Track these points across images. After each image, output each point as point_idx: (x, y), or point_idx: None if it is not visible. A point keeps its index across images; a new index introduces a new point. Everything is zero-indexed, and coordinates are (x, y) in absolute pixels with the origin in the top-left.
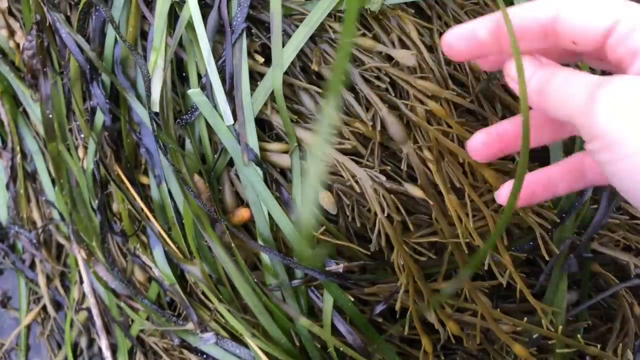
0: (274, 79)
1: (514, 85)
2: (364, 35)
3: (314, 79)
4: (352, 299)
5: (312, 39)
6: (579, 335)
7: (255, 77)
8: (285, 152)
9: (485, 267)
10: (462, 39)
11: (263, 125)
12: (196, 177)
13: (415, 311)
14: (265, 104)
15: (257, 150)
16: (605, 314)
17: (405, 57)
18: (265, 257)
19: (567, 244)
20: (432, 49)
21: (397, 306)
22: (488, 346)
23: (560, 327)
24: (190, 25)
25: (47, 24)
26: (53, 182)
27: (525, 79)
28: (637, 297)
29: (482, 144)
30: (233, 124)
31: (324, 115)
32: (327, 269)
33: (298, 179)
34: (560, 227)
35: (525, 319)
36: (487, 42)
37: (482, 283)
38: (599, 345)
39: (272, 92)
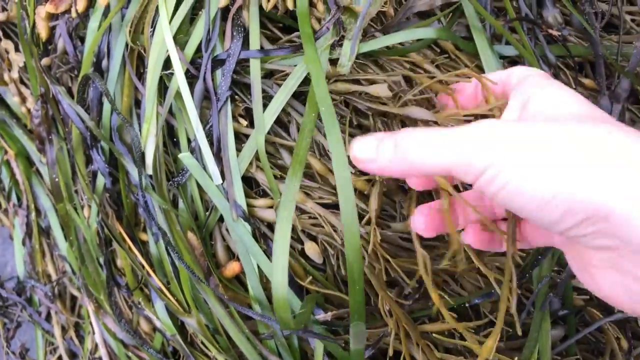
0: (257, 141)
1: (365, 165)
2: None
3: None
4: (343, 344)
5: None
6: None
7: (241, 138)
8: (271, 207)
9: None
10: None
11: (250, 182)
12: (189, 233)
13: (408, 354)
14: (251, 163)
15: (244, 207)
16: (596, 348)
17: (380, 89)
18: (257, 307)
19: (545, 282)
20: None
21: (390, 351)
22: None
23: None
24: (178, 95)
25: (51, 95)
26: (65, 237)
27: (376, 155)
28: (624, 330)
29: (424, 221)
30: (222, 183)
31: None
32: (316, 317)
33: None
34: (538, 267)
35: (516, 358)
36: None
37: (467, 323)
38: None
39: (257, 152)
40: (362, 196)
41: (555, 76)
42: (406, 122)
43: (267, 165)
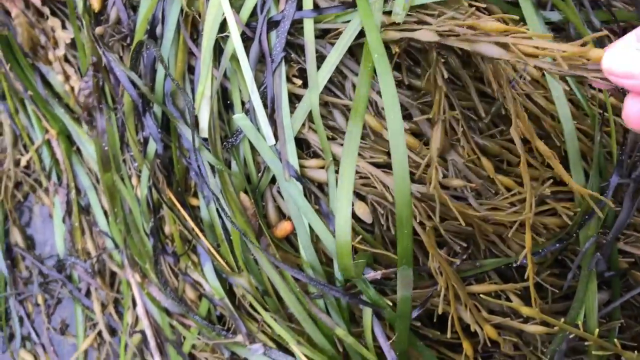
0: (311, 100)
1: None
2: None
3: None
4: (390, 304)
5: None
6: (615, 340)
7: (293, 100)
8: (322, 167)
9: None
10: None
11: (301, 144)
12: (242, 194)
13: (456, 315)
14: (303, 124)
15: (297, 167)
16: (639, 314)
17: (427, 34)
18: (308, 268)
19: (592, 242)
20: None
21: (440, 309)
22: (524, 348)
23: (596, 330)
24: (233, 58)
25: (103, 65)
26: (105, 214)
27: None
28: None
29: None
30: (275, 144)
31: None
32: (365, 276)
33: (334, 192)
34: (585, 227)
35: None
36: None
37: (514, 285)
38: (635, 352)
39: (310, 113)
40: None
41: (600, 42)
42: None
43: (321, 126)
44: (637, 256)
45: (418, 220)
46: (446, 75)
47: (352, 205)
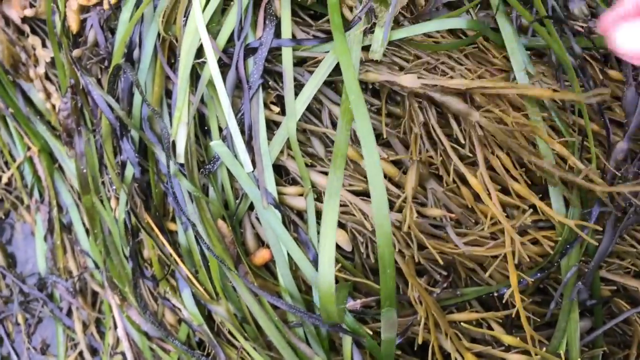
0: (288, 128)
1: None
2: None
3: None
4: (370, 333)
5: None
6: None
7: (272, 127)
8: (301, 194)
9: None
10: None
11: (280, 171)
12: (220, 221)
13: (437, 344)
14: (282, 151)
15: (275, 194)
16: (622, 341)
17: (410, 80)
18: (287, 296)
19: (574, 271)
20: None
21: (420, 339)
22: None
23: (578, 359)
24: (210, 83)
25: (81, 87)
26: (87, 232)
27: None
28: None
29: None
30: (252, 171)
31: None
32: (345, 305)
33: (313, 219)
34: (567, 256)
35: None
36: None
37: (495, 313)
38: None
39: (288, 140)
40: (392, 183)
41: (582, 68)
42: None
43: (299, 153)
44: (620, 284)
45: (397, 249)
46: (422, 120)
47: None
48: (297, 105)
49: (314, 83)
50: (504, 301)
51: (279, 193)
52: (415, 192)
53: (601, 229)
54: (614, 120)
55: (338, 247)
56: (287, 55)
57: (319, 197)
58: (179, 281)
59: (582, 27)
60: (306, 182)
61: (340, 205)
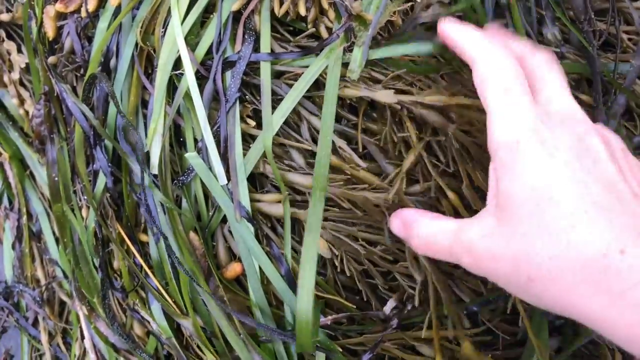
0: (264, 142)
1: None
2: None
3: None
4: (341, 350)
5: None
6: None
7: (248, 140)
8: (278, 201)
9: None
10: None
11: (257, 180)
12: (191, 234)
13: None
14: (260, 163)
15: (249, 208)
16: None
17: (386, 96)
18: (257, 311)
19: None
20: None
21: (387, 357)
22: None
23: None
24: (187, 95)
25: (55, 94)
26: (57, 241)
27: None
28: None
29: None
30: (227, 184)
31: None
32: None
33: (289, 229)
34: None
35: None
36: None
37: (465, 331)
38: None
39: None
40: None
41: None
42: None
43: (275, 166)
44: None
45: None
46: (400, 136)
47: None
48: (274, 119)
49: (292, 97)
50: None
51: (256, 200)
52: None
53: None
54: None
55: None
56: (266, 69)
57: (302, 203)
58: (148, 294)
59: (555, 52)
60: (283, 189)
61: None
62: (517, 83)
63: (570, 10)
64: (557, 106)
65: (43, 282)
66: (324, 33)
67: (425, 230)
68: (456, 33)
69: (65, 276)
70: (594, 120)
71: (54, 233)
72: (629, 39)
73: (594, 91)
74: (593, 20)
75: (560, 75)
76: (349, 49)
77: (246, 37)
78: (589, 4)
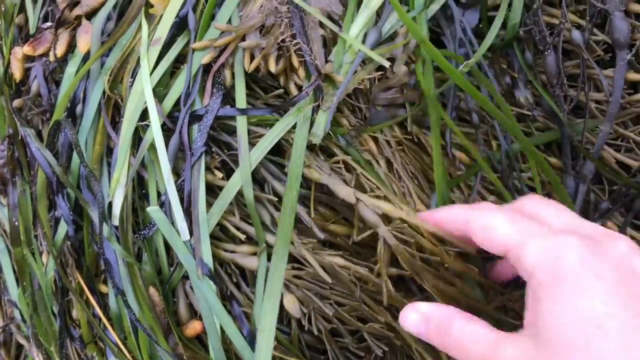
0: (246, 195)
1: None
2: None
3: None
4: None
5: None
6: None
7: (216, 191)
8: (254, 254)
9: None
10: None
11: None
12: (151, 289)
13: None
14: (233, 213)
15: (211, 265)
16: None
17: (346, 194)
18: None
19: None
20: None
21: None
22: None
23: None
24: (152, 147)
25: (19, 137)
26: (17, 280)
27: (422, 319)
28: None
29: None
30: (189, 239)
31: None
32: None
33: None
34: None
35: None
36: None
37: None
38: None
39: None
40: None
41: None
42: None
43: (257, 220)
44: None
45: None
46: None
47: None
48: (237, 175)
49: (255, 155)
50: None
51: (230, 251)
52: None
53: None
54: None
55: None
56: (242, 122)
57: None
58: (107, 346)
59: (527, 115)
60: (260, 241)
61: (293, 268)
62: (520, 216)
63: (543, 74)
64: (576, 224)
65: (0, 323)
66: (294, 90)
67: (459, 334)
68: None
69: (24, 320)
70: (564, 185)
71: (14, 272)
72: (596, 108)
73: (563, 155)
74: (565, 86)
75: (556, 204)
76: (317, 108)
77: (215, 90)
78: (562, 69)
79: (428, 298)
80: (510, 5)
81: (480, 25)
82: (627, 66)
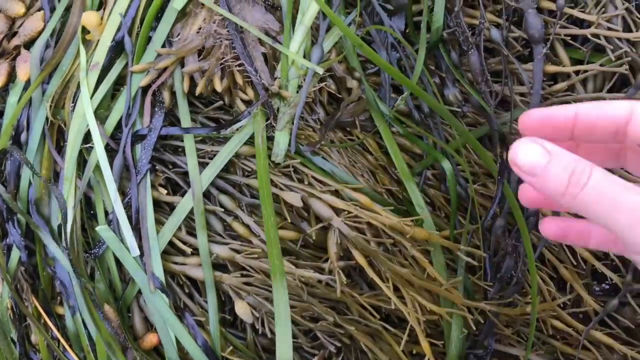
0: (199, 212)
1: (523, 176)
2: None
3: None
4: None
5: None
6: None
7: (163, 207)
8: (201, 265)
9: None
10: (539, 118)
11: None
12: (106, 306)
13: None
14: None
15: (163, 279)
16: None
17: (294, 199)
18: None
19: None
20: None
21: None
22: None
23: None
24: (97, 168)
25: None
26: None
27: (544, 153)
28: None
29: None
30: (140, 255)
31: None
32: None
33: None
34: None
35: None
36: (560, 126)
37: None
38: None
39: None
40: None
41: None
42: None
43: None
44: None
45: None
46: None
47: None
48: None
49: (210, 172)
50: None
51: (180, 264)
52: None
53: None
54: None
55: (229, 323)
56: (189, 139)
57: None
58: None
59: (456, 111)
60: (205, 253)
61: (242, 275)
62: None
63: (469, 72)
64: None
65: None
66: (241, 106)
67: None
68: None
69: None
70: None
71: None
72: (522, 101)
73: (493, 146)
74: (490, 82)
75: None
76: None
77: (156, 109)
78: (485, 66)
79: (377, 295)
80: (432, 9)
81: (407, 30)
82: (544, 59)
